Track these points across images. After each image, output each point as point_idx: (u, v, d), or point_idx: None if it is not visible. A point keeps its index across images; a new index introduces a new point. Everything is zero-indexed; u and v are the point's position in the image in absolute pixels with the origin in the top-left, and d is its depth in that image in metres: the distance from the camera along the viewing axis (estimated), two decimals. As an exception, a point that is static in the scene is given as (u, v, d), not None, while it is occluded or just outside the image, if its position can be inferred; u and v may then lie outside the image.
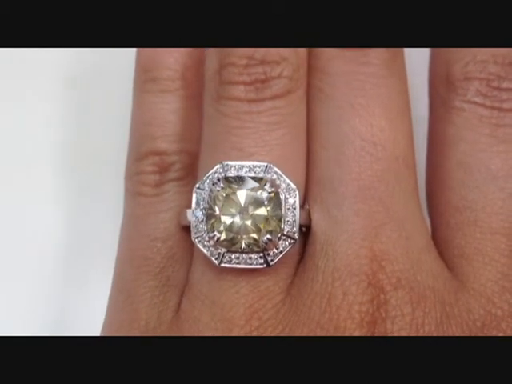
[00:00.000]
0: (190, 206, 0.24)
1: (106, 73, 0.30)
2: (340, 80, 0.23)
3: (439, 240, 0.23)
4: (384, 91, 0.23)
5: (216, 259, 0.22)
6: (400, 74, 0.23)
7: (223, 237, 0.21)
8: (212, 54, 0.24)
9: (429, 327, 0.21)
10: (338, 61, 0.23)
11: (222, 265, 0.22)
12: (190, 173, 0.24)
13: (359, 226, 0.22)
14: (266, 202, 0.21)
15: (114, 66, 0.29)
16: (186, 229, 0.24)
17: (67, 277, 0.29)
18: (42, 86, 0.30)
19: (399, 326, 0.21)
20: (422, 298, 0.21)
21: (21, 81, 0.30)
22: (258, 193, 0.21)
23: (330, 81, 0.23)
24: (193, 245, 0.24)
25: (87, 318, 0.28)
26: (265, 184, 0.21)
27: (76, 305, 0.29)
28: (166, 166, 0.24)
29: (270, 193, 0.21)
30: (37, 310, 0.29)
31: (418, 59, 0.24)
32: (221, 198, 0.21)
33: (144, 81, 0.25)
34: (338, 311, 0.21)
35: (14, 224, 0.29)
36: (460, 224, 0.22)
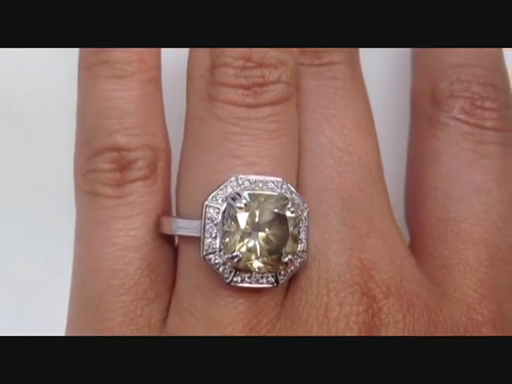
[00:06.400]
0: (160, 209, 0.22)
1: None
2: (313, 94, 0.23)
3: (419, 251, 0.23)
4: (352, 103, 0.23)
5: (226, 278, 0.20)
6: (362, 85, 0.24)
7: (244, 257, 0.20)
8: (202, 51, 0.22)
9: (419, 333, 0.22)
10: (308, 77, 0.23)
11: (233, 284, 0.20)
12: (155, 170, 0.22)
13: (346, 236, 0.22)
14: (288, 222, 0.20)
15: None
16: (164, 236, 0.22)
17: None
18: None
19: (392, 332, 0.22)
20: (410, 305, 0.22)
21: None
22: (280, 211, 0.20)
23: (304, 95, 0.23)
24: (173, 253, 0.22)
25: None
26: (287, 203, 0.21)
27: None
28: (126, 163, 0.22)
29: (292, 212, 0.21)
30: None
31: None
32: (241, 216, 0.20)
33: (92, 64, 0.22)
34: (336, 323, 0.21)
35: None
36: (443, 235, 0.23)
